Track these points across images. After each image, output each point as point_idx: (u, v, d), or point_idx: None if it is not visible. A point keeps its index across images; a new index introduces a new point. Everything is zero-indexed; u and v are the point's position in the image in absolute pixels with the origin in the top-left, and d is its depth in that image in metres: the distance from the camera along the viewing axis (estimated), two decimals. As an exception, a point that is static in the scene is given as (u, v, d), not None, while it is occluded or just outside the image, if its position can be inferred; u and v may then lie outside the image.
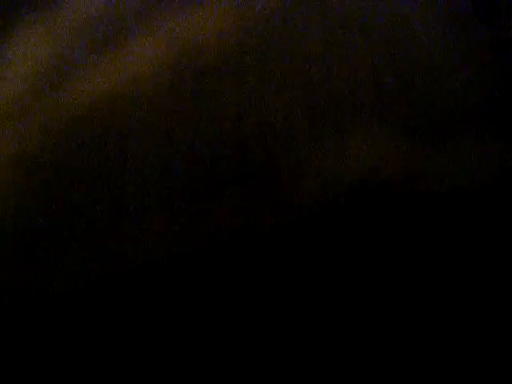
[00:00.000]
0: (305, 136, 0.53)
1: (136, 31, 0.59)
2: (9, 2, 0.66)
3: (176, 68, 0.56)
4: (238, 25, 0.57)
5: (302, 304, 0.51)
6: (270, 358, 0.52)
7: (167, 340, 0.52)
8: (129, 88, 0.56)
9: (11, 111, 0.59)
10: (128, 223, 0.53)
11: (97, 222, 0.53)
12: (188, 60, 0.56)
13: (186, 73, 0.56)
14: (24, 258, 0.54)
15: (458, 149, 0.53)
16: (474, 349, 0.52)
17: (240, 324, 0.52)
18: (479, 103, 0.54)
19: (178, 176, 0.53)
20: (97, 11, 0.62)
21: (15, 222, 0.55)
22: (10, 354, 0.53)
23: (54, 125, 0.57)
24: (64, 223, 0.54)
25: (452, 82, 0.55)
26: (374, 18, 0.57)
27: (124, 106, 0.56)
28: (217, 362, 0.52)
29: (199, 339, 0.52)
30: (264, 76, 0.55)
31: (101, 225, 0.53)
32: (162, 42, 0.58)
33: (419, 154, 0.53)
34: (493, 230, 0.52)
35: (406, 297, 0.52)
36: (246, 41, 0.56)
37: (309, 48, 0.56)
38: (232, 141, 0.54)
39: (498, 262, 0.52)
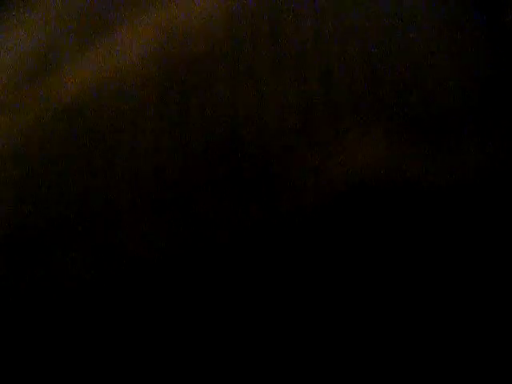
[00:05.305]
0: (300, 134, 0.53)
1: (124, 20, 0.58)
2: None
3: (164, 58, 0.56)
4: (227, 14, 0.57)
5: (299, 306, 0.51)
6: (266, 361, 0.52)
7: (160, 340, 0.52)
8: (117, 78, 0.56)
9: None
10: (120, 222, 0.53)
11: (88, 218, 0.53)
12: (177, 50, 0.56)
13: (174, 63, 0.55)
14: (14, 256, 0.54)
15: (455, 147, 0.53)
16: (474, 347, 0.52)
17: (235, 326, 0.51)
18: (477, 101, 0.54)
19: (168, 173, 0.53)
20: (83, 0, 0.61)
21: (4, 217, 0.54)
22: (11, 351, 0.53)
23: (41, 117, 0.56)
24: (54, 219, 0.53)
25: (450, 80, 0.54)
26: (370, 11, 0.56)
27: (112, 97, 0.55)
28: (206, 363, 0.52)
29: (194, 339, 0.52)
30: (256, 69, 0.55)
31: (93, 222, 0.53)
32: (150, 32, 0.57)
33: (417, 153, 0.53)
34: (490, 228, 0.53)
35: (406, 295, 0.52)
36: (236, 31, 0.56)
37: (302, 40, 0.55)
38: (224, 136, 0.53)
39: (497, 259, 0.52)
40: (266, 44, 0.55)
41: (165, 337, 0.52)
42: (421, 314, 0.52)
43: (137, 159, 0.53)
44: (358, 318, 0.51)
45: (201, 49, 0.56)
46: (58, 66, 0.58)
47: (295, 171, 0.52)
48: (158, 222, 0.52)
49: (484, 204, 0.53)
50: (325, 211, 0.52)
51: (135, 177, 0.53)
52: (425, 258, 0.52)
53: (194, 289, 0.52)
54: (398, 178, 0.52)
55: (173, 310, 0.52)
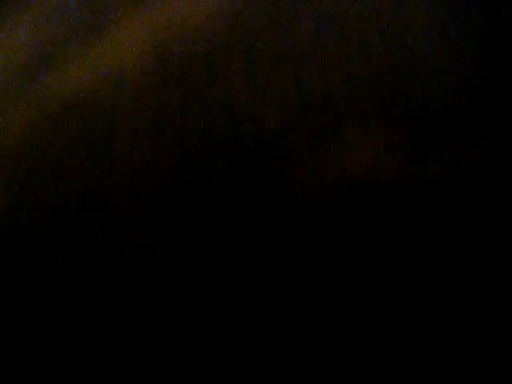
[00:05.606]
0: (300, 134, 0.53)
1: (121, 16, 0.58)
2: None
3: (162, 55, 0.55)
4: (226, 13, 0.57)
5: (300, 306, 0.51)
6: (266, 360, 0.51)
7: (158, 340, 0.52)
8: (115, 75, 0.55)
9: None
10: (118, 221, 0.52)
11: (87, 218, 0.53)
12: (175, 47, 0.56)
13: (173, 61, 0.55)
14: (11, 256, 0.53)
15: (455, 147, 0.53)
16: (474, 347, 0.52)
17: (236, 328, 0.51)
18: (477, 100, 0.54)
19: (167, 172, 0.53)
20: None
21: (1, 216, 0.54)
22: (9, 351, 0.53)
23: (39, 116, 0.56)
24: (52, 219, 0.53)
25: (450, 79, 0.54)
26: (370, 10, 0.56)
27: (111, 96, 0.55)
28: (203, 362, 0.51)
29: (194, 340, 0.52)
30: (255, 68, 0.54)
31: (91, 221, 0.53)
32: (149, 30, 0.57)
33: (417, 153, 0.52)
34: (490, 229, 0.53)
35: (406, 294, 0.52)
36: (235, 28, 0.56)
37: (301, 38, 0.55)
38: (223, 135, 0.53)
39: (497, 259, 0.52)
40: (265, 43, 0.55)
41: (164, 338, 0.52)
42: (423, 313, 0.52)
43: (135, 158, 0.53)
44: (359, 318, 0.51)
45: (200, 47, 0.56)
46: (56, 65, 0.57)
47: (294, 171, 0.52)
48: (157, 222, 0.52)
49: (484, 203, 0.53)
50: (325, 211, 0.52)
51: (134, 176, 0.53)
52: (424, 258, 0.52)
53: (194, 290, 0.52)
54: (397, 178, 0.52)
55: (171, 311, 0.52)
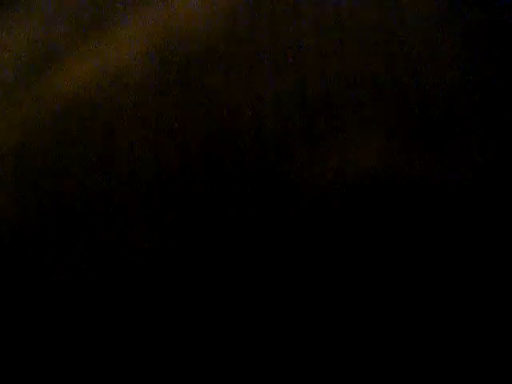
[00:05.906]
0: (300, 134, 0.53)
1: (121, 17, 0.58)
2: None
3: (162, 55, 0.55)
4: (227, 12, 0.57)
5: (300, 306, 0.51)
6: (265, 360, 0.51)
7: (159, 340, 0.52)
8: (115, 75, 0.55)
9: None
10: (118, 219, 0.52)
11: (87, 215, 0.53)
12: (175, 47, 0.56)
13: (172, 61, 0.55)
14: (13, 253, 0.53)
15: (456, 146, 0.53)
16: (475, 347, 0.52)
17: (237, 327, 0.51)
18: (478, 98, 0.54)
19: (167, 170, 0.53)
20: None
21: (2, 214, 0.54)
22: (9, 350, 0.53)
23: (41, 114, 0.56)
24: (52, 216, 0.53)
25: (450, 79, 0.54)
26: (369, 9, 0.56)
27: (111, 94, 0.55)
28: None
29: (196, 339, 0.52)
30: (254, 66, 0.54)
31: (92, 219, 0.53)
32: (149, 29, 0.57)
33: (417, 153, 0.52)
34: (491, 229, 0.52)
35: (408, 294, 0.51)
36: (235, 28, 0.56)
37: (301, 37, 0.55)
38: (222, 134, 0.53)
39: (498, 258, 0.52)
40: (266, 42, 0.55)
41: (164, 337, 0.52)
42: (424, 312, 0.52)
43: (135, 156, 0.53)
44: (360, 317, 0.51)
45: (200, 47, 0.56)
46: (56, 64, 0.57)
47: (294, 171, 0.52)
48: (157, 219, 0.52)
49: (485, 202, 0.53)
50: (325, 211, 0.52)
51: (134, 173, 0.53)
52: (424, 257, 0.52)
53: (194, 290, 0.51)
54: (398, 178, 0.52)
55: (172, 310, 0.52)
